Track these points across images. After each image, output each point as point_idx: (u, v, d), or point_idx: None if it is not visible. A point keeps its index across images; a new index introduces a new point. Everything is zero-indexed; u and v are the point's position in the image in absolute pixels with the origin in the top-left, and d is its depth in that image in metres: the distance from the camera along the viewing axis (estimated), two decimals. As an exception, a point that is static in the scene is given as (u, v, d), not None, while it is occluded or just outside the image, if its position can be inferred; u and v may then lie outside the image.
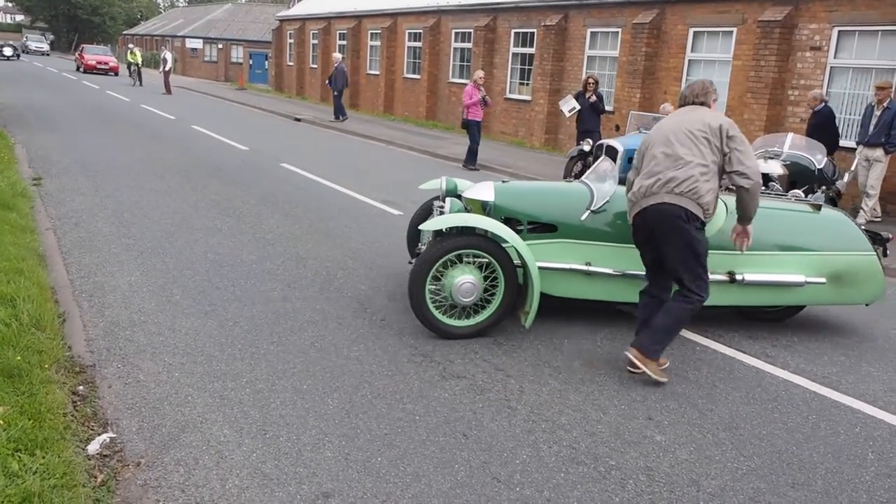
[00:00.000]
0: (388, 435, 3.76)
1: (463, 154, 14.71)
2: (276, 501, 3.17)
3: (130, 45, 42.00)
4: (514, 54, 19.91)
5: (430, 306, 5.16)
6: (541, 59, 18.41)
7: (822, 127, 10.53)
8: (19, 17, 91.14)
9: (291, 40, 33.88)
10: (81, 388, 4.04)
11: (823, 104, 10.82)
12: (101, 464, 3.35)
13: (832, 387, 4.79)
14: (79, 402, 3.88)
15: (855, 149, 10.65)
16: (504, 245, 5.11)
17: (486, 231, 5.13)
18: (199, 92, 32.38)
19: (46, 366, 4.03)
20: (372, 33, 27.02)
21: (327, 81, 22.86)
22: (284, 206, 9.27)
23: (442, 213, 5.64)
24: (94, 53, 41.57)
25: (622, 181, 5.33)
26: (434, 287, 5.15)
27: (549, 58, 18.04)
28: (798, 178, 8.95)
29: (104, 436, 3.57)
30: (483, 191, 5.56)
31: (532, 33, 19.11)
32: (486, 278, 5.16)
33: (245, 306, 5.52)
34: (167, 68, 29.68)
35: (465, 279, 5.06)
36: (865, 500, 3.49)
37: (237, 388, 4.17)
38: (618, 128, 13.29)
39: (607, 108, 15.73)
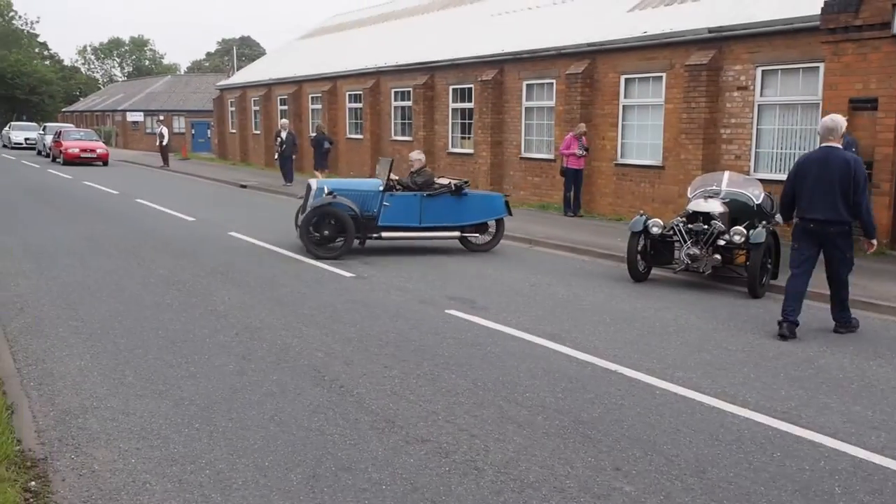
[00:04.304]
0: (355, 508, 3.69)
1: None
2: (245, 589, 3.05)
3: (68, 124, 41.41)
4: (454, 109, 20.31)
5: None
6: (480, 112, 18.82)
7: None
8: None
9: (233, 108, 33.96)
10: (34, 483, 3.86)
11: None
12: (57, 566, 3.20)
13: (793, 422, 4.86)
14: (32, 500, 3.70)
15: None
16: None
17: None
18: (142, 164, 32.05)
19: (-5, 464, 3.86)
20: (312, 97, 27.27)
21: (279, 147, 22.47)
22: (234, 277, 9.16)
23: None
24: (77, 139, 32.02)
25: None
26: None
27: (487, 111, 18.46)
28: (738, 214, 9.24)
29: (58, 535, 3.41)
30: None
31: (470, 88, 19.55)
32: None
33: (200, 383, 5.40)
34: (164, 143, 29.60)
35: None
36: (832, 532, 3.54)
37: (196, 471, 4.05)
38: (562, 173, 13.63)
39: (545, 156, 16.19)
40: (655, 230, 9.11)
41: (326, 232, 10.58)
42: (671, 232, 9.12)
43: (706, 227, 8.85)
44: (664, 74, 14.45)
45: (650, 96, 14.89)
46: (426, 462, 4.19)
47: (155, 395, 5.15)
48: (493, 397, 5.21)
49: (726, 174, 10.19)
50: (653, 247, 9.30)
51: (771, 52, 12.60)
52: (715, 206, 9.04)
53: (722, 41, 13.29)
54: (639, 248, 9.27)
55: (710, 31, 13.29)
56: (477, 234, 11.49)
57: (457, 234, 11.33)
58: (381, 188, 10.94)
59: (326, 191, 10.81)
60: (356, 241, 10.76)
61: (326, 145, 20.75)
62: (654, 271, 9.59)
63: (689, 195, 9.99)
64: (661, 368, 5.89)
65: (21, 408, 4.85)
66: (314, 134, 21.67)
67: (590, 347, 6.43)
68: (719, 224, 8.80)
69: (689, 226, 8.97)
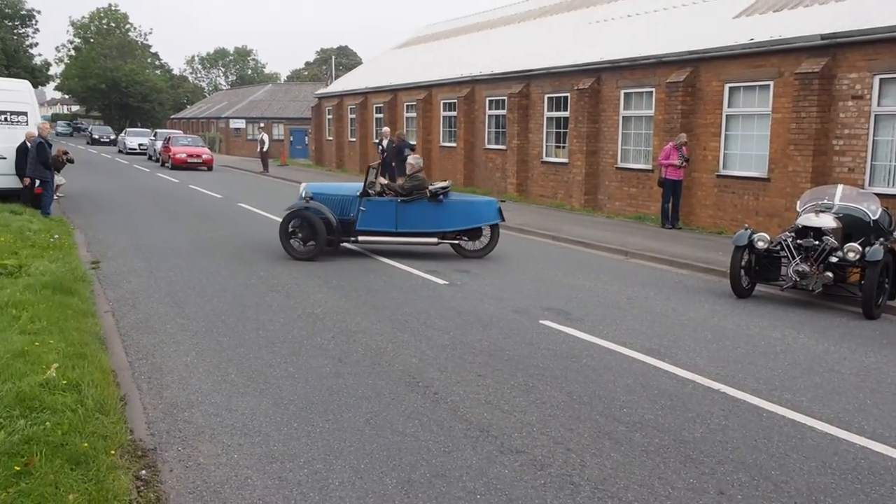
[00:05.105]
0: (450, 516, 3.67)
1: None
2: (342, 590, 3.08)
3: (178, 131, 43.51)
4: (549, 118, 20.13)
5: None
6: (575, 121, 18.58)
7: None
8: (74, 108, 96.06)
9: (330, 116, 34.85)
10: (144, 472, 4.05)
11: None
12: (165, 554, 3.32)
13: (915, 453, 4.55)
14: (142, 488, 3.88)
15: None
16: None
17: None
18: (243, 170, 33.31)
19: (112, 451, 4.07)
20: (407, 105, 27.66)
21: (382, 154, 22.93)
22: (331, 280, 9.36)
23: None
24: (184, 145, 32.59)
25: None
26: None
27: (583, 120, 18.20)
28: (852, 230, 8.73)
29: (167, 524, 3.55)
30: None
31: (565, 97, 19.34)
32: None
33: (298, 383, 5.53)
34: (265, 149, 31.03)
35: None
36: (964, 576, 3.26)
37: (295, 469, 4.14)
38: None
39: (643, 166, 15.73)
40: (761, 245, 8.73)
41: (301, 234, 10.88)
42: (778, 247, 8.71)
43: (817, 242, 8.41)
44: (772, 83, 13.85)
45: (756, 105, 14.30)
46: (521, 474, 4.13)
47: (256, 393, 5.30)
48: (589, 411, 5.09)
49: (839, 187, 9.66)
50: (758, 262, 8.91)
51: (890, 60, 11.88)
52: (827, 221, 8.58)
53: (836, 48, 12.63)
54: (743, 262, 8.89)
55: (823, 37, 12.66)
56: (463, 240, 11.37)
57: (434, 240, 11.24)
58: (359, 193, 11.08)
59: (305, 195, 11.06)
60: (332, 244, 11.05)
61: (406, 152, 20.88)
62: (759, 288, 9.19)
63: (798, 209, 9.52)
64: (767, 389, 5.62)
65: (132, 399, 5.11)
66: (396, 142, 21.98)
67: (690, 364, 6.21)
68: (832, 240, 8.35)
69: (799, 241, 8.55)
